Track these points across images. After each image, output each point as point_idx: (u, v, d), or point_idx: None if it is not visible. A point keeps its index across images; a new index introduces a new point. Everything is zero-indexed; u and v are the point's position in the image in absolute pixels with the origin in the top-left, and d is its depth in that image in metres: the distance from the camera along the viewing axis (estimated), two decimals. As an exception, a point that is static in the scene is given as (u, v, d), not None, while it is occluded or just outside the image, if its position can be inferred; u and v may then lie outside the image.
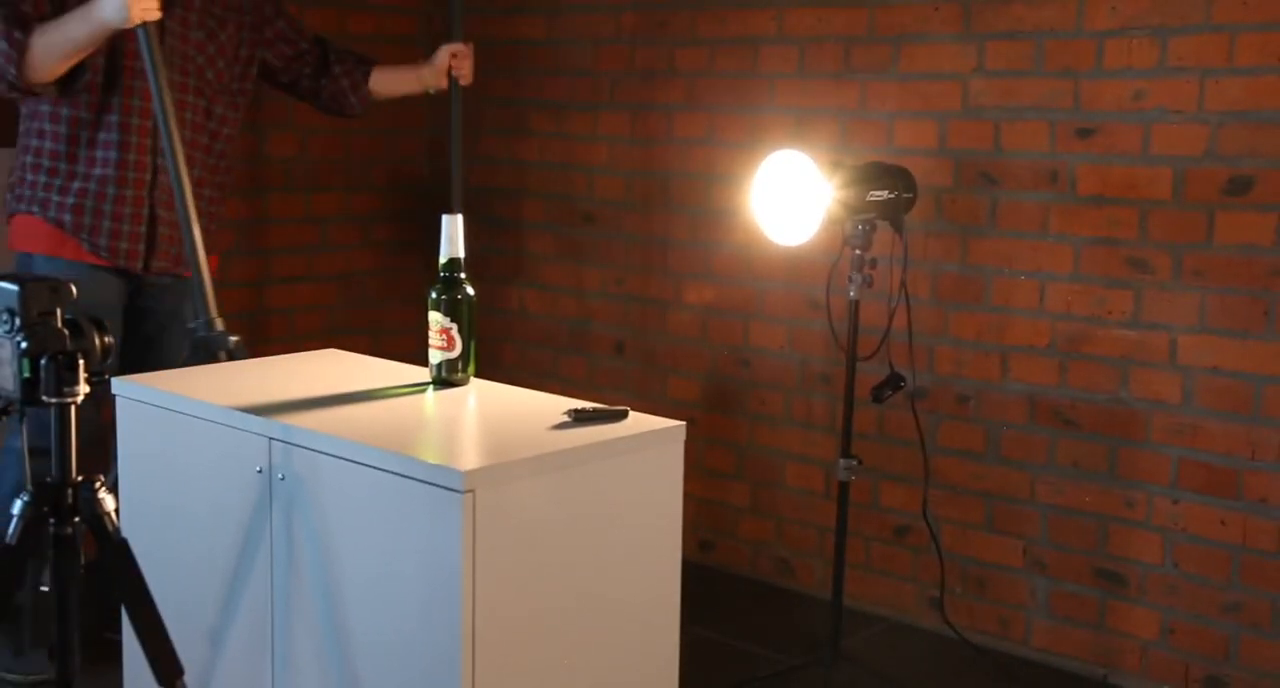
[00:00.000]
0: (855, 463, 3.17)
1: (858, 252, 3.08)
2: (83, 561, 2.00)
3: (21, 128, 3.15)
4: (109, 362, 2.00)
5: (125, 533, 2.02)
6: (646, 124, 4.04)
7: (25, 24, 2.89)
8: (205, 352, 2.91)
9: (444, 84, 3.47)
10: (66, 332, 1.93)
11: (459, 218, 2.35)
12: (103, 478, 2.01)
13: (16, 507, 1.95)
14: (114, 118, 3.08)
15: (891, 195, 3.07)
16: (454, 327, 2.31)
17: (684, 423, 2.18)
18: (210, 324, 2.95)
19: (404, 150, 4.55)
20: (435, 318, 2.32)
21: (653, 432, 2.13)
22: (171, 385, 2.34)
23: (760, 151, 3.18)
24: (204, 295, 2.96)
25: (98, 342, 1.97)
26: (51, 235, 3.10)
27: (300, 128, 4.22)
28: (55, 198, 3.09)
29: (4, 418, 1.97)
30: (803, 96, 3.68)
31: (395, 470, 1.93)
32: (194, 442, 2.25)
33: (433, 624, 1.90)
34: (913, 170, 3.16)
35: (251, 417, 2.14)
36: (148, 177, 3.11)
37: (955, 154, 3.42)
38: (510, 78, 4.32)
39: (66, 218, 3.08)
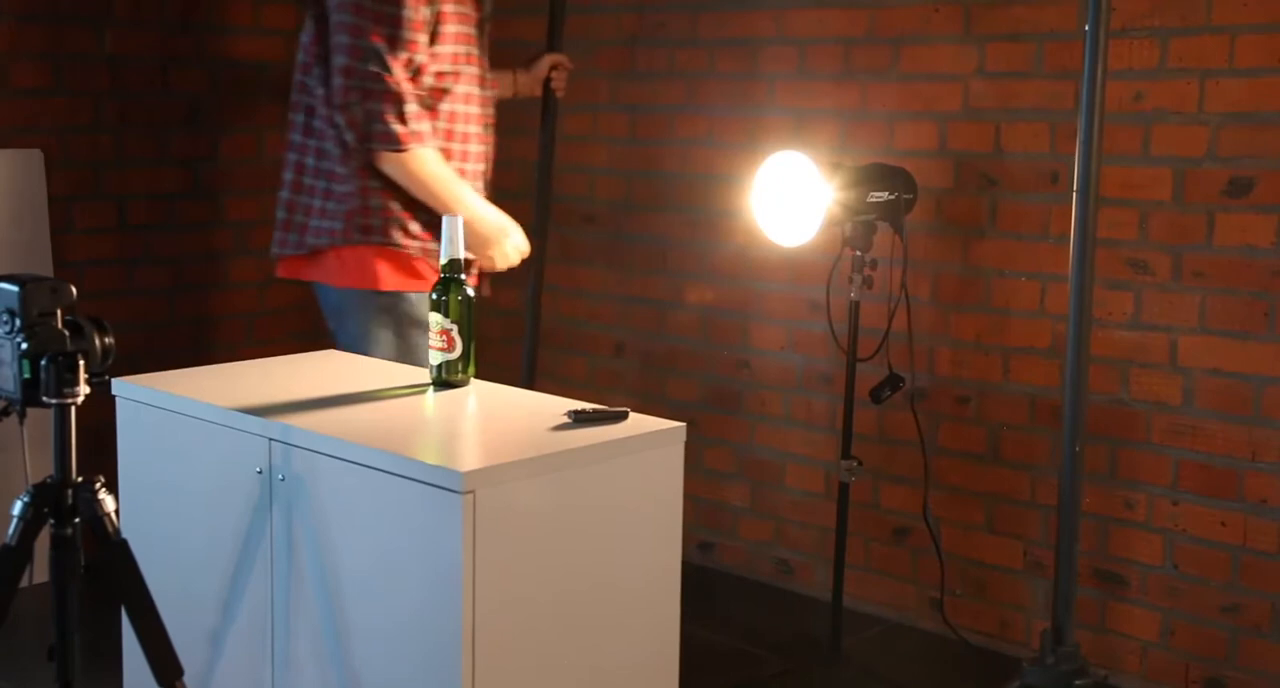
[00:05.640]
0: (855, 464, 3.17)
1: (858, 253, 3.08)
2: (83, 561, 2.00)
3: None
4: (109, 362, 2.00)
5: (125, 533, 2.01)
6: (646, 125, 4.04)
7: (418, 115, 2.79)
8: None
9: (538, 92, 3.37)
10: (66, 332, 1.93)
11: (459, 219, 2.34)
12: (102, 478, 2.01)
13: (16, 507, 1.95)
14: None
15: (891, 196, 3.07)
16: (454, 327, 2.31)
17: (684, 424, 2.18)
18: None
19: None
20: (435, 319, 2.32)
21: (653, 433, 2.13)
22: (171, 386, 2.34)
23: (760, 153, 3.18)
24: None
25: (98, 342, 1.97)
26: None
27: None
28: None
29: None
30: (803, 98, 3.68)
31: (395, 471, 1.93)
32: (194, 442, 2.25)
33: (432, 626, 1.90)
34: (913, 171, 3.16)
35: (251, 417, 2.14)
36: None
37: (955, 155, 3.42)
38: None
39: None
